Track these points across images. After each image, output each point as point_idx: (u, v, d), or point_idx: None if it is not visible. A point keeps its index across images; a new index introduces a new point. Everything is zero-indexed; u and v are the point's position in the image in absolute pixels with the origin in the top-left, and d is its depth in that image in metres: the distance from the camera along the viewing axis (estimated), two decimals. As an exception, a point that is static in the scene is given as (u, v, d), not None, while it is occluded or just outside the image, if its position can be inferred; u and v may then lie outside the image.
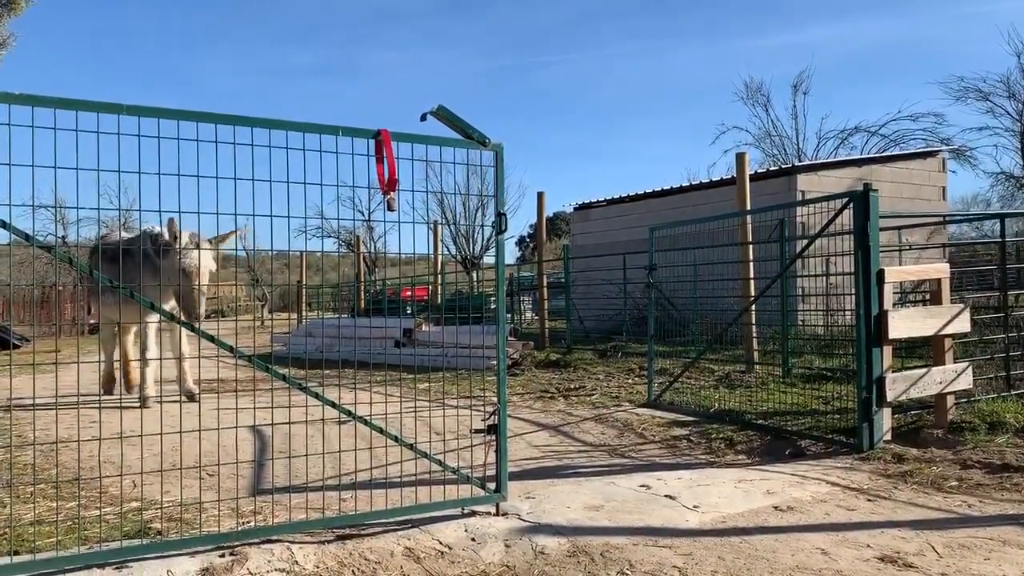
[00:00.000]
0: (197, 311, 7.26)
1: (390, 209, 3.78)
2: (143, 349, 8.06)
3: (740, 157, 9.91)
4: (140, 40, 75.71)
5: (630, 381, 9.44)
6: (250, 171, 3.42)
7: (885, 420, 5.55)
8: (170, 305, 7.67)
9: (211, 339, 3.83)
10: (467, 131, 3.95)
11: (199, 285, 7.22)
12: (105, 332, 8.68)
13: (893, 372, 5.60)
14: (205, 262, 7.37)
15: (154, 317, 7.75)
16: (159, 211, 3.34)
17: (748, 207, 9.53)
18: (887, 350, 5.56)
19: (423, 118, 3.82)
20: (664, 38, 79.46)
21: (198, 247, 7.20)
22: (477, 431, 4.16)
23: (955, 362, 5.98)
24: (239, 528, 3.70)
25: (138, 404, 7.74)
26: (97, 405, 5.63)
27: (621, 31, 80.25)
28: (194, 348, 8.59)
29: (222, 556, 3.37)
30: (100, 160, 3.18)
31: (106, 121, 3.20)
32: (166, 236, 7.25)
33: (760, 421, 6.51)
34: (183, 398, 8.07)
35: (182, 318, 8.09)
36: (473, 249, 36.07)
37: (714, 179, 16.00)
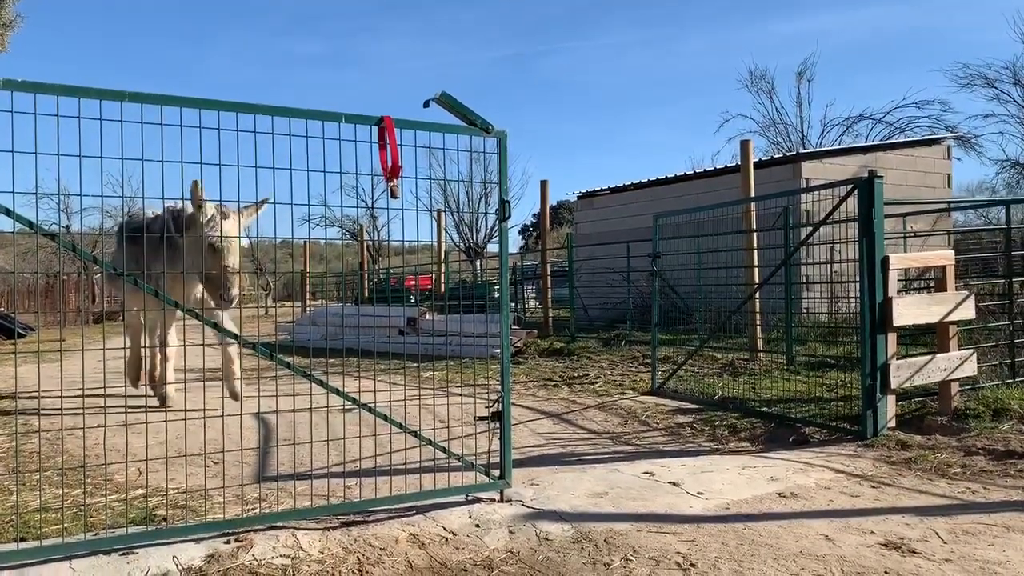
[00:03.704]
0: (230, 292, 6.12)
1: (393, 196, 3.78)
2: (162, 341, 7.14)
3: (744, 145, 9.86)
4: (144, 31, 75.59)
5: (634, 369, 9.44)
6: (253, 158, 3.41)
7: (889, 407, 5.55)
8: (199, 289, 6.75)
9: (215, 326, 3.83)
10: (470, 118, 3.94)
11: (231, 262, 6.11)
12: (130, 320, 7.83)
13: (897, 359, 5.59)
14: (235, 234, 6.23)
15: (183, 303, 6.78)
16: (162, 198, 3.35)
17: (752, 195, 9.50)
18: (891, 337, 5.55)
19: (426, 105, 3.80)
20: (668, 26, 79.09)
21: (230, 217, 6.14)
22: (481, 419, 4.16)
23: (959, 349, 5.96)
24: (244, 515, 3.71)
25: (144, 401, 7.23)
26: (102, 393, 5.64)
27: (625, 20, 80.00)
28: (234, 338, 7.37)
29: (227, 542, 3.39)
30: (103, 148, 3.18)
31: (109, 109, 3.20)
32: (189, 209, 6.24)
33: (764, 408, 6.51)
34: (226, 395, 6.88)
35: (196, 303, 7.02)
36: (476, 238, 36.09)
37: (718, 167, 15.95)
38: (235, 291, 6.15)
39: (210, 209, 6.10)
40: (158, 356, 7.60)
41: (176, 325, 7.52)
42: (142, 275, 5.84)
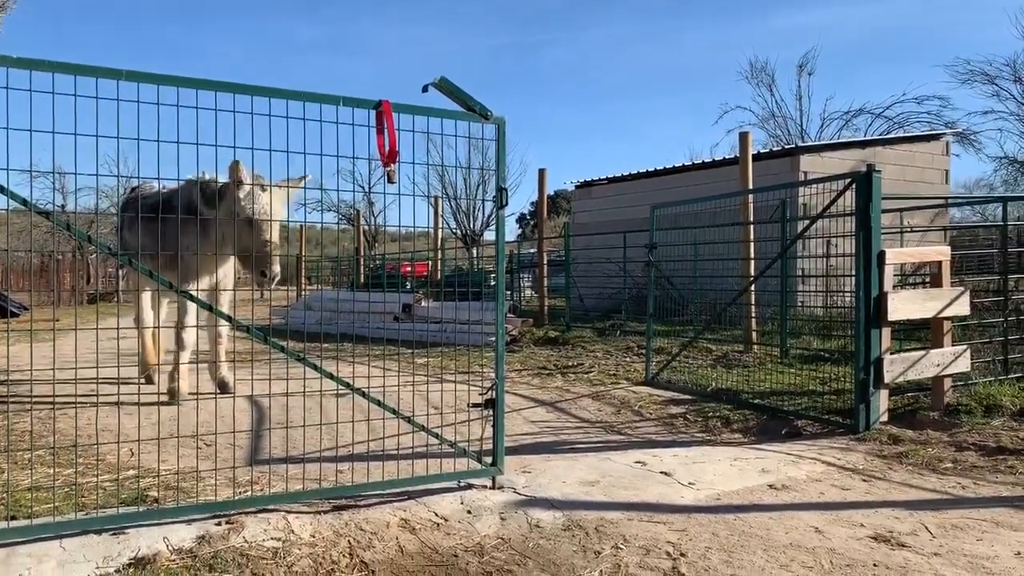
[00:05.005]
0: (272, 270, 5.72)
1: (390, 181, 3.76)
2: (179, 329, 6.54)
3: (743, 137, 9.85)
4: (144, 11, 74.94)
5: (628, 359, 9.45)
6: (250, 140, 3.39)
7: (882, 401, 5.56)
8: (226, 267, 6.37)
9: (209, 308, 3.82)
10: (469, 103, 3.92)
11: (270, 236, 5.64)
12: (139, 304, 7.33)
13: (891, 354, 5.60)
14: (276, 208, 5.70)
15: (199, 285, 6.11)
16: (158, 178, 3.33)
17: (750, 187, 9.49)
18: (886, 332, 5.56)
19: (425, 89, 3.78)
20: (670, 18, 78.88)
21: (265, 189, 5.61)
22: (475, 406, 4.17)
23: (953, 345, 5.98)
24: (236, 497, 3.71)
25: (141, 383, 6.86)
26: (95, 374, 5.63)
27: (627, 10, 79.66)
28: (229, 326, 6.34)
29: (219, 524, 3.39)
30: (99, 126, 3.15)
31: (105, 88, 3.17)
32: (219, 181, 5.74)
33: (757, 401, 6.52)
34: (216, 390, 6.59)
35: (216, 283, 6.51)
36: (473, 225, 36.04)
37: (717, 159, 15.94)
38: (277, 268, 5.74)
39: (247, 180, 5.68)
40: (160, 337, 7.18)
41: (192, 313, 6.81)
42: (168, 255, 5.66)
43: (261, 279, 5.77)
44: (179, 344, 6.54)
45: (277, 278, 5.83)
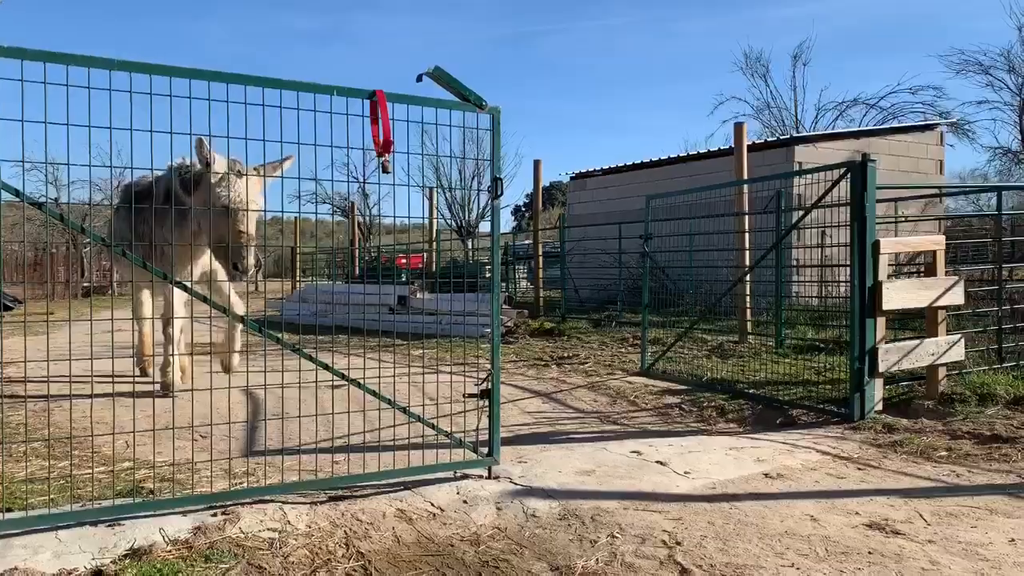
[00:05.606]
0: (244, 263, 5.36)
1: (385, 171, 3.75)
2: (165, 321, 6.28)
3: (738, 127, 9.85)
4: (137, 3, 74.41)
5: (624, 350, 9.46)
6: (243, 130, 3.38)
7: (877, 391, 5.58)
8: (206, 258, 6.17)
9: (204, 300, 3.81)
10: (463, 93, 3.90)
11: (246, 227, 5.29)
12: (136, 298, 7.14)
13: (886, 343, 5.61)
14: (253, 195, 5.25)
15: (188, 276, 5.88)
16: (151, 169, 3.31)
17: (745, 178, 9.49)
18: (881, 321, 5.57)
19: (419, 79, 3.77)
20: (666, 7, 78.65)
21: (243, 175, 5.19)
22: (470, 396, 4.17)
23: (948, 334, 5.99)
24: (231, 488, 3.71)
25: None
26: (89, 366, 5.60)
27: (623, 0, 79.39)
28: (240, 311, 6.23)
29: (214, 515, 3.39)
30: (91, 117, 3.13)
31: (97, 78, 3.15)
32: (197, 166, 5.36)
33: (752, 391, 6.54)
34: (217, 369, 6.45)
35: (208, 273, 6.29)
36: (468, 216, 35.97)
37: (712, 149, 15.92)
38: (251, 261, 5.41)
39: (221, 166, 5.26)
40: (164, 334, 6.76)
41: (181, 304, 6.49)
42: (148, 246, 5.59)
43: (234, 272, 5.47)
44: (166, 337, 6.35)
45: (250, 272, 5.49)
